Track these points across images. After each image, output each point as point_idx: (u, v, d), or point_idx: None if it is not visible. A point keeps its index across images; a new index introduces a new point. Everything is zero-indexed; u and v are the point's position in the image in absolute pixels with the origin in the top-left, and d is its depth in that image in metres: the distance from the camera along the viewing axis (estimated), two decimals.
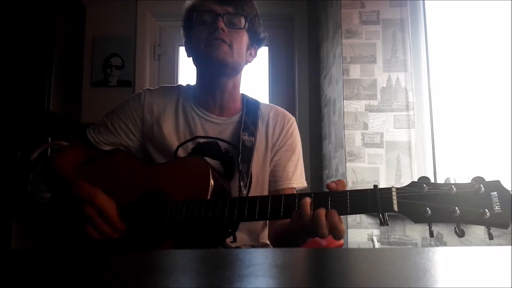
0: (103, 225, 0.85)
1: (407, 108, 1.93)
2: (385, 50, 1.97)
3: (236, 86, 1.07)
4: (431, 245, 1.77)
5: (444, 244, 1.75)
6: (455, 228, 0.67)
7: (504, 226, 0.64)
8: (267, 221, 1.11)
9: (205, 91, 1.06)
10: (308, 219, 0.73)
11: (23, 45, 2.32)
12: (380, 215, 0.70)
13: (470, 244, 1.69)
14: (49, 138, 2.33)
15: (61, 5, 2.46)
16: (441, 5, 1.96)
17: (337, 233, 0.73)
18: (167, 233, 0.86)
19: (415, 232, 1.80)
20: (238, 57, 1.00)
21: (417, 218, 0.68)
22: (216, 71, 1.01)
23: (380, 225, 0.72)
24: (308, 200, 0.75)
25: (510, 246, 0.50)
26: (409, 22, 1.94)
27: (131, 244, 0.88)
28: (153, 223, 0.87)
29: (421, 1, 1.98)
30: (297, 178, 1.07)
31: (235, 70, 1.02)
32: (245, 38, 1.03)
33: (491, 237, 0.65)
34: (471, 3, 1.81)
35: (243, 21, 1.01)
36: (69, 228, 0.98)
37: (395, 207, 0.69)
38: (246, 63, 1.07)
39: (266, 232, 1.11)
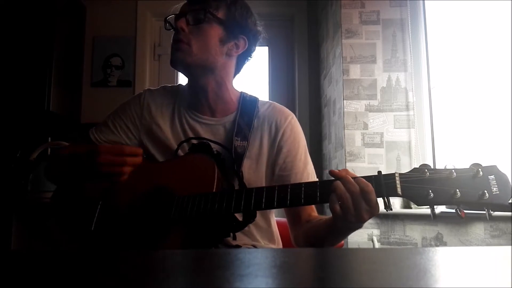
0: (122, 158, 0.88)
1: (407, 108, 1.93)
2: (385, 50, 1.97)
3: (221, 84, 1.03)
4: (431, 245, 1.77)
5: (444, 244, 1.75)
6: (456, 210, 0.71)
7: (502, 206, 0.67)
8: (272, 222, 1.10)
9: (192, 93, 1.06)
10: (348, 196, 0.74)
11: (23, 45, 2.32)
12: (385, 199, 0.73)
13: (470, 244, 1.69)
14: (49, 138, 2.33)
15: (61, 5, 2.46)
16: (441, 5, 1.96)
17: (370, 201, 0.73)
18: (173, 228, 0.86)
19: (415, 232, 1.80)
20: (202, 53, 0.97)
21: (420, 200, 0.72)
22: (185, 73, 1.03)
23: (385, 209, 0.74)
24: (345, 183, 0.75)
25: (510, 246, 0.50)
26: (409, 22, 1.94)
27: (138, 240, 0.88)
28: (159, 218, 0.87)
29: (421, 1, 1.98)
30: (308, 175, 1.03)
31: (205, 67, 0.99)
32: (213, 32, 0.99)
33: (490, 217, 0.68)
34: (471, 3, 1.81)
35: (202, 15, 0.98)
36: (69, 227, 0.98)
37: (399, 191, 0.72)
38: (228, 57, 1.03)
39: (270, 234, 1.09)
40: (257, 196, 0.80)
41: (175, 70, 2.78)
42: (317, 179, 1.06)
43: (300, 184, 0.80)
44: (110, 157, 0.87)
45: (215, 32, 0.99)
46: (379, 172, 0.76)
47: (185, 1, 1.03)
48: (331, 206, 0.76)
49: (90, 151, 0.89)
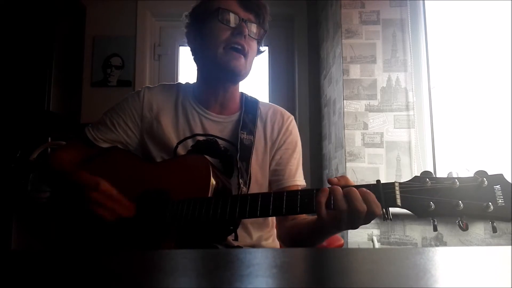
0: (115, 205, 0.86)
1: (407, 108, 1.93)
2: (385, 50, 1.97)
3: (238, 87, 1.09)
4: (431, 245, 1.77)
5: (444, 244, 1.75)
6: (458, 222, 0.67)
7: (507, 219, 0.64)
8: (271, 221, 1.11)
9: (208, 90, 1.06)
10: (343, 206, 0.72)
11: (23, 45, 2.32)
12: (384, 210, 0.71)
13: (470, 244, 1.69)
14: (49, 138, 2.33)
15: (61, 5, 2.46)
16: (441, 5, 1.96)
17: (359, 213, 0.71)
18: (167, 232, 0.86)
19: (415, 232, 1.80)
20: (250, 67, 1.02)
21: (421, 212, 0.69)
22: (226, 78, 1.03)
23: (384, 220, 0.72)
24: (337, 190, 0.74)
25: (510, 246, 0.50)
26: (409, 22, 1.94)
27: (132, 243, 0.88)
28: (154, 222, 0.87)
29: (421, 1, 1.98)
30: (300, 176, 1.07)
31: (243, 79, 1.05)
32: (256, 49, 1.05)
33: (495, 230, 0.65)
34: (471, 3, 1.81)
35: (261, 32, 1.02)
36: (69, 227, 0.98)
37: (398, 201, 0.70)
38: None
39: (270, 232, 1.10)
40: (253, 203, 0.79)
41: (175, 70, 2.80)
42: (305, 184, 1.08)
43: (296, 192, 0.78)
44: (103, 199, 0.86)
45: (256, 49, 1.05)
46: (378, 181, 0.73)
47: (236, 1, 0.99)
48: (318, 209, 0.74)
49: (90, 182, 0.88)
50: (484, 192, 0.65)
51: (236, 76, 1.00)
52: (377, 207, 0.71)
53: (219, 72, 1.01)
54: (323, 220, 0.74)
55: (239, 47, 0.96)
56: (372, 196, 0.71)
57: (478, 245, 1.67)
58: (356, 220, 0.73)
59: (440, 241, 1.76)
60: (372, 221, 0.76)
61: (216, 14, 0.97)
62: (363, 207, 0.71)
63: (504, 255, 0.47)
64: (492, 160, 1.59)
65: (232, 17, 0.97)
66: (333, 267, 0.42)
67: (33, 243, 2.05)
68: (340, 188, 0.73)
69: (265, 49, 1.11)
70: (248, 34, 0.98)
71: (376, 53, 1.97)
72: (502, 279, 0.35)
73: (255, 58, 1.10)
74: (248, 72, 1.03)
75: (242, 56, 0.97)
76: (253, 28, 1.00)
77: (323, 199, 0.73)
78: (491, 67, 1.66)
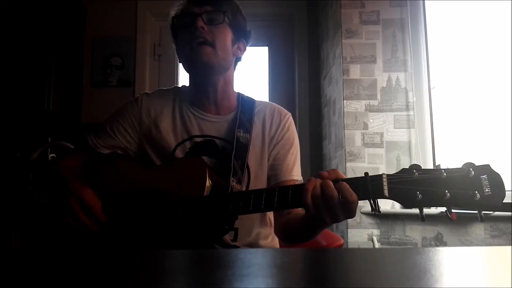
0: (83, 216, 0.87)
1: (407, 108, 1.93)
2: (385, 50, 1.97)
3: (228, 82, 1.08)
4: (431, 245, 1.77)
5: (444, 244, 1.75)
6: (446, 212, 0.68)
7: (494, 207, 0.65)
8: (270, 219, 1.11)
9: (199, 91, 1.07)
10: (319, 197, 0.72)
11: (23, 45, 2.32)
12: (371, 201, 0.71)
13: (470, 244, 1.69)
14: (49, 138, 2.33)
15: (61, 5, 2.46)
16: (441, 5, 1.96)
17: (350, 203, 0.71)
18: (164, 233, 0.86)
19: (415, 232, 1.80)
20: (223, 53, 1.01)
21: (408, 202, 0.70)
22: (203, 72, 1.03)
23: (372, 211, 0.73)
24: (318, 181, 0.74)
25: (510, 246, 0.50)
26: (409, 22, 1.94)
27: (128, 244, 0.88)
28: (150, 224, 0.87)
29: (421, 1, 1.98)
30: (297, 171, 1.08)
31: (222, 67, 1.03)
32: (228, 33, 1.03)
33: (482, 219, 0.66)
34: (471, 3, 1.81)
35: (222, 16, 1.02)
36: (67, 231, 0.98)
37: (386, 192, 0.70)
38: (235, 58, 1.08)
39: (269, 231, 1.10)
40: (245, 200, 0.79)
41: (175, 70, 2.79)
42: (302, 180, 1.09)
43: (287, 187, 0.79)
44: (76, 207, 0.87)
45: (229, 33, 1.04)
46: (366, 173, 0.74)
47: (186, 1, 1.04)
48: (304, 197, 0.74)
49: (73, 189, 0.90)
50: (470, 182, 0.66)
51: (210, 67, 1.00)
52: (351, 195, 0.71)
53: (196, 70, 1.04)
54: (309, 210, 0.74)
55: (201, 40, 0.98)
56: (345, 184, 0.72)
57: (478, 245, 1.67)
58: (334, 210, 0.72)
59: (440, 241, 1.76)
60: (372, 221, 0.76)
61: (176, 22, 1.04)
62: (334, 193, 0.71)
63: (504, 255, 0.47)
64: (493, 160, 1.59)
65: (187, 18, 1.01)
66: (333, 267, 0.42)
67: (33, 243, 2.05)
68: (320, 180, 0.74)
69: (250, 29, 1.10)
70: (207, 24, 0.99)
71: (376, 53, 1.97)
72: (502, 279, 0.35)
73: (248, 44, 1.11)
74: (224, 59, 1.02)
75: (208, 46, 0.98)
76: (212, 16, 1.01)
77: (310, 187, 0.74)
78: (491, 67, 1.66)
